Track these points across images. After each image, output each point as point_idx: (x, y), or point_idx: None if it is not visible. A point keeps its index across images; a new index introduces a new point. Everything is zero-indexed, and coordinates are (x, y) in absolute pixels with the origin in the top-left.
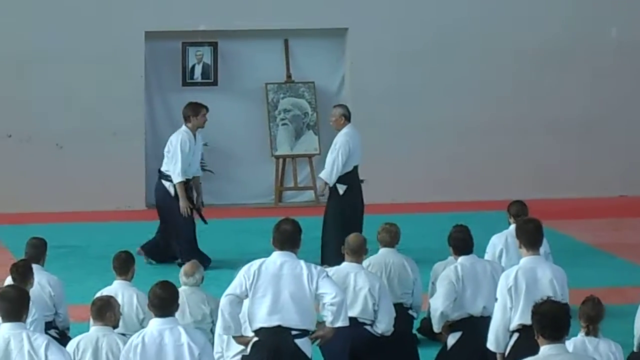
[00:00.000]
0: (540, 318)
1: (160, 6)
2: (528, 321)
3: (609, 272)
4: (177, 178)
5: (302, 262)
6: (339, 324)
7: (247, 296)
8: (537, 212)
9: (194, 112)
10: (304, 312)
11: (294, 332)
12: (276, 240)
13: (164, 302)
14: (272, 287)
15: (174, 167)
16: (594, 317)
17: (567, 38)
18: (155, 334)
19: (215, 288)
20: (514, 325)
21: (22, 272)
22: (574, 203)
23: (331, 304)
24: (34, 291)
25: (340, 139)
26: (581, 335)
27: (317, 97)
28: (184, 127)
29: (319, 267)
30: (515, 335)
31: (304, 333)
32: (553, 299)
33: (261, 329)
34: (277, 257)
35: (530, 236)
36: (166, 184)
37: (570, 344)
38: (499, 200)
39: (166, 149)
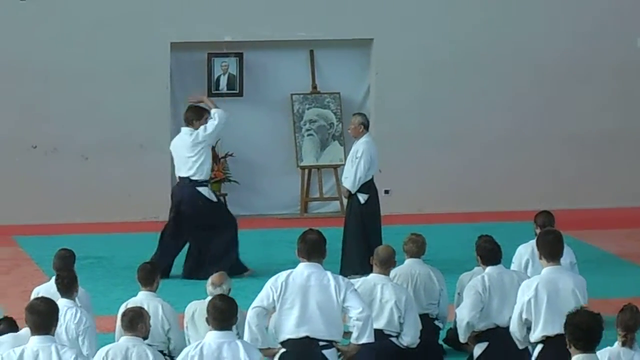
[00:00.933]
0: (574, 329)
1: (185, 17)
2: (551, 332)
3: (635, 281)
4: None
5: (329, 273)
6: (364, 340)
7: (274, 308)
8: (563, 222)
9: (198, 115)
10: (332, 323)
11: (321, 343)
12: (302, 251)
13: (224, 314)
14: (299, 298)
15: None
16: (632, 326)
17: (586, 51)
18: (214, 346)
19: (241, 299)
20: (536, 336)
21: (68, 283)
22: (598, 213)
23: (357, 319)
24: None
25: (362, 147)
26: (617, 345)
27: (343, 107)
28: (187, 129)
29: (346, 279)
30: (539, 347)
31: (330, 344)
32: (586, 309)
33: (289, 340)
34: (304, 268)
35: (551, 247)
36: (204, 190)
37: (605, 353)
38: (525, 211)
39: (193, 157)
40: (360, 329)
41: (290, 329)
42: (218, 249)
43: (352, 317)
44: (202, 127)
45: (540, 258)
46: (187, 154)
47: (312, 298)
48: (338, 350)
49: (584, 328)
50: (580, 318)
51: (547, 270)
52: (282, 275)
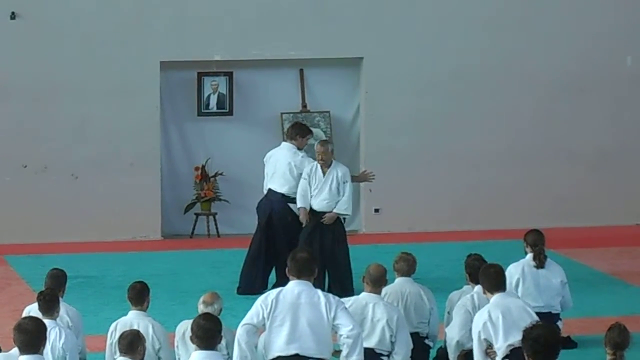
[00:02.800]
0: (532, 343)
1: (175, 36)
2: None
3: (626, 300)
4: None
5: (319, 291)
6: (353, 358)
7: (264, 326)
8: (554, 240)
9: (302, 133)
10: (322, 341)
11: None
12: (292, 270)
13: (207, 332)
14: (290, 315)
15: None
16: (620, 344)
17: (582, 68)
18: None
19: (231, 318)
20: (501, 347)
21: (49, 301)
22: (590, 232)
23: (347, 337)
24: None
25: (344, 171)
26: None
27: (333, 126)
28: (289, 145)
29: (336, 297)
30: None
31: None
32: (543, 323)
33: (278, 357)
34: (295, 286)
35: (494, 280)
36: (294, 207)
37: None
38: (516, 229)
39: (291, 172)
40: (351, 346)
41: (280, 347)
42: None
43: (343, 334)
44: (308, 163)
45: (484, 292)
46: (287, 171)
47: (302, 316)
48: None
49: (542, 342)
50: (538, 332)
51: (495, 297)
52: (273, 293)
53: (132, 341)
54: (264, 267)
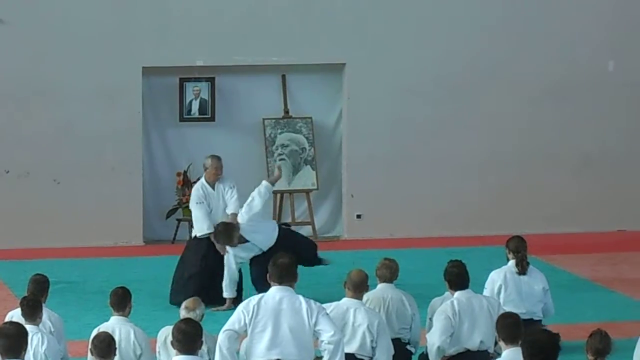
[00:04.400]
0: (530, 345)
1: (157, 42)
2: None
3: (607, 306)
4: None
5: (300, 297)
6: None
7: (245, 331)
8: (536, 246)
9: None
10: (303, 347)
11: None
12: (274, 275)
13: (187, 337)
14: (271, 321)
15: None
16: (602, 350)
17: (564, 74)
18: None
19: (212, 324)
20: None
21: (32, 306)
22: (572, 238)
23: (329, 342)
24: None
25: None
26: None
27: (315, 132)
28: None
29: (318, 303)
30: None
31: None
32: (545, 328)
33: None
34: (276, 292)
35: (511, 330)
36: None
37: None
38: (497, 235)
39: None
40: (332, 352)
41: (261, 352)
42: None
43: (324, 340)
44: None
45: (499, 340)
46: None
47: (284, 321)
48: None
49: (540, 345)
50: (537, 336)
51: (508, 352)
52: (254, 298)
53: (109, 344)
54: None
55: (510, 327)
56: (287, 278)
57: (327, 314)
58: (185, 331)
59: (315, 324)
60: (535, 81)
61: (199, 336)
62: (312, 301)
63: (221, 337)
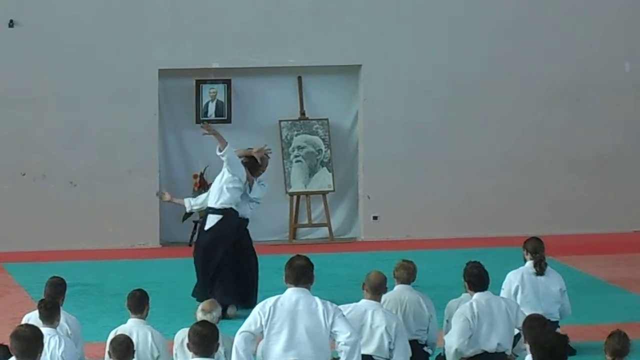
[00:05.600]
0: (539, 348)
1: (173, 44)
2: None
3: (624, 307)
4: None
5: (317, 299)
6: None
7: (262, 333)
8: (553, 248)
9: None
10: (319, 348)
11: None
12: (290, 277)
13: (204, 339)
14: (288, 323)
15: None
16: (620, 351)
17: (580, 75)
18: None
19: (229, 326)
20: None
21: (50, 309)
22: (589, 239)
23: (345, 344)
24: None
25: None
26: None
27: (331, 133)
28: None
29: (334, 304)
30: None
31: None
32: (553, 330)
33: None
34: (292, 293)
35: (537, 334)
36: None
37: None
38: (515, 236)
39: None
40: (348, 353)
41: (277, 354)
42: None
43: (340, 341)
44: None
45: (525, 341)
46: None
47: (300, 323)
48: None
49: (548, 347)
50: (546, 337)
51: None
52: (270, 300)
53: (128, 346)
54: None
55: (537, 329)
56: (304, 279)
57: (344, 315)
58: (202, 333)
59: (332, 325)
60: (551, 82)
61: (215, 338)
62: (328, 302)
63: (237, 339)
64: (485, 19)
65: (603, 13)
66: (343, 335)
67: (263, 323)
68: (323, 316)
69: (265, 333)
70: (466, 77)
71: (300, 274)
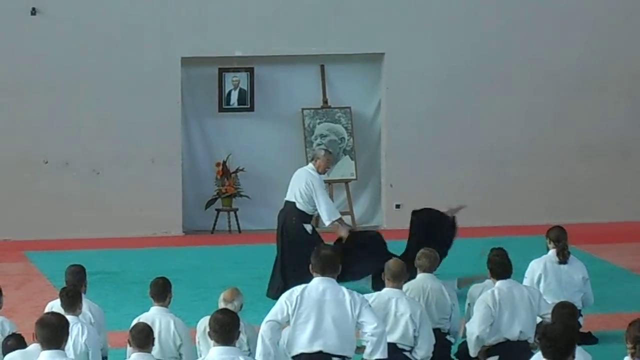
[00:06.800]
0: (541, 337)
1: (196, 32)
2: None
3: None
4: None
5: (344, 288)
6: (377, 356)
7: (288, 322)
8: (574, 236)
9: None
10: (345, 338)
11: (334, 359)
12: (316, 266)
13: (224, 327)
14: (315, 312)
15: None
16: None
17: (601, 63)
18: None
19: (252, 314)
20: None
21: (72, 297)
22: (610, 227)
23: (372, 335)
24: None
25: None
26: (627, 358)
27: (354, 122)
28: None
29: (361, 295)
30: None
31: (343, 359)
32: (562, 320)
33: (302, 354)
34: (319, 283)
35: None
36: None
37: None
38: (538, 225)
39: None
40: (375, 344)
41: (303, 344)
42: None
43: (367, 332)
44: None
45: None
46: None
47: (327, 313)
48: None
49: (551, 337)
50: (549, 328)
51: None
52: (297, 289)
53: (148, 334)
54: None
55: (566, 317)
56: (330, 269)
57: (370, 305)
58: (222, 321)
59: (359, 316)
60: (572, 70)
61: (236, 326)
62: (355, 293)
63: (264, 328)
64: (507, 7)
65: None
66: (370, 325)
67: (290, 312)
68: (350, 306)
69: (291, 322)
70: (490, 64)
71: (327, 263)
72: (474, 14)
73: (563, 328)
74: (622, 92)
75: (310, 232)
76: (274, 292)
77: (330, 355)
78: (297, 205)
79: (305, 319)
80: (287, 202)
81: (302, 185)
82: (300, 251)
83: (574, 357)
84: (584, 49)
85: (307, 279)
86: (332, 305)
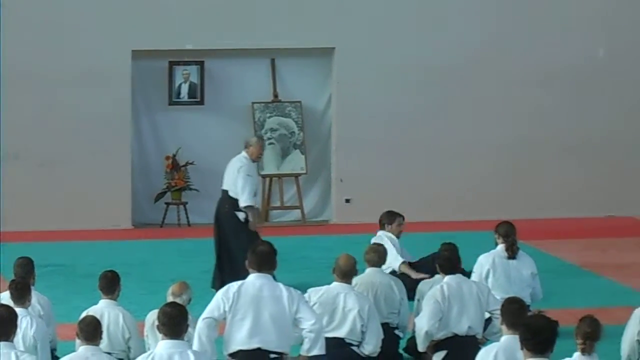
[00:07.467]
0: (524, 329)
1: (147, 25)
2: None
3: (595, 292)
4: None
5: (280, 285)
6: (315, 352)
7: (225, 319)
8: (523, 232)
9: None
10: (283, 335)
11: (272, 356)
12: (253, 263)
13: (173, 320)
14: (252, 309)
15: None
16: (591, 334)
17: (554, 60)
18: (165, 356)
19: (201, 308)
20: None
21: (21, 289)
22: (561, 223)
23: (310, 331)
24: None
25: None
26: (577, 355)
27: (304, 116)
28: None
29: (298, 291)
30: None
31: (281, 356)
32: (543, 315)
33: (239, 351)
34: (256, 279)
35: (513, 316)
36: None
37: None
38: (486, 220)
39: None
40: (312, 340)
41: (241, 341)
42: None
43: (305, 328)
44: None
45: (502, 323)
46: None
47: (264, 309)
48: None
49: (533, 328)
50: (533, 320)
51: (508, 338)
52: (234, 285)
53: (96, 327)
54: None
55: (515, 312)
56: (267, 265)
57: (307, 301)
58: (171, 315)
59: (296, 312)
60: (525, 68)
61: (185, 320)
62: (292, 289)
63: (200, 325)
64: (460, 4)
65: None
66: (308, 322)
67: (227, 309)
68: (288, 303)
69: (228, 319)
70: (441, 61)
71: (263, 260)
72: (426, 10)
73: (546, 321)
74: (574, 88)
75: (242, 219)
76: (220, 284)
77: (269, 352)
78: (230, 193)
79: (243, 316)
80: (222, 190)
81: (233, 173)
82: (232, 239)
83: (552, 351)
84: (538, 46)
85: (240, 266)
86: (270, 302)
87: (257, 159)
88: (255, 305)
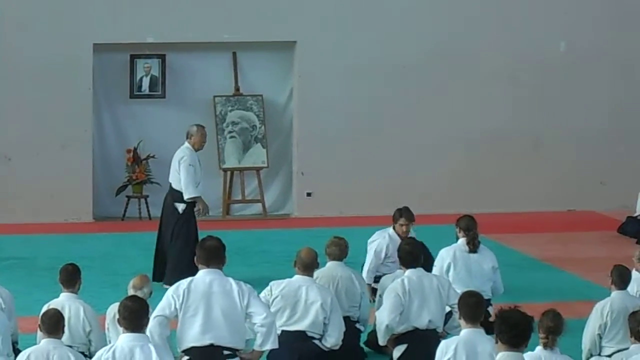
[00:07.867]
0: (500, 322)
1: (108, 19)
2: None
3: (556, 286)
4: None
5: (231, 279)
6: (268, 347)
7: (176, 316)
8: (485, 226)
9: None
10: (236, 330)
11: (225, 352)
12: (201, 258)
13: (134, 314)
14: (203, 305)
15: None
16: (553, 329)
17: (515, 54)
18: (126, 350)
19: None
20: None
21: None
22: (521, 217)
23: (261, 325)
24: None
25: None
26: (539, 348)
27: (266, 110)
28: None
29: (248, 285)
30: None
31: (234, 352)
32: (519, 308)
33: (192, 348)
34: (205, 275)
35: (471, 310)
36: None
37: (526, 357)
38: (447, 214)
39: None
40: (265, 334)
41: (194, 337)
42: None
43: (257, 322)
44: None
45: (460, 318)
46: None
47: (215, 304)
48: (241, 358)
49: (510, 322)
50: (509, 313)
51: (467, 331)
52: (183, 282)
53: (58, 320)
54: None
55: (472, 306)
56: (215, 260)
57: (258, 295)
58: (132, 308)
59: (247, 306)
60: (486, 61)
61: (146, 313)
62: (242, 283)
63: (152, 324)
64: None
65: None
66: (259, 316)
67: (177, 306)
68: (238, 297)
69: (180, 316)
70: (402, 55)
71: (211, 255)
72: (388, 4)
73: (522, 315)
74: (535, 82)
75: (181, 211)
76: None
77: (222, 348)
78: (173, 185)
79: (194, 312)
80: (169, 182)
81: (175, 164)
82: (171, 231)
83: (526, 346)
84: (498, 39)
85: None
86: (220, 297)
87: (200, 147)
88: (206, 301)
